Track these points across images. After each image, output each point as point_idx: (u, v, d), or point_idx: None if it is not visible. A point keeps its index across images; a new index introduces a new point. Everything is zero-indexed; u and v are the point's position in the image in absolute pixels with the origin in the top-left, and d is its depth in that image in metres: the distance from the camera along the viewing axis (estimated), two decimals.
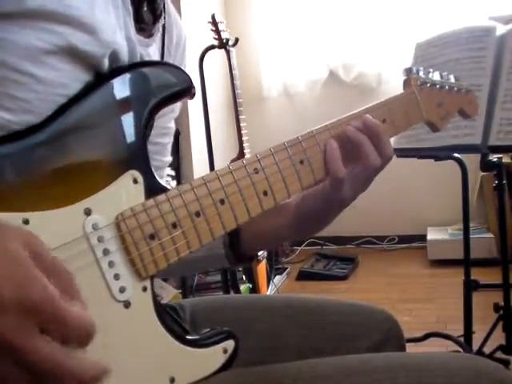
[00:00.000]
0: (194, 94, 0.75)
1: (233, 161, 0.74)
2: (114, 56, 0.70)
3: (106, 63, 0.69)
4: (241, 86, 2.71)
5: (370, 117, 0.82)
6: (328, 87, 3.97)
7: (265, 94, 4.07)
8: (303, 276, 3.48)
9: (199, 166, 3.34)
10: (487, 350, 2.02)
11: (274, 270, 3.12)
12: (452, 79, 1.01)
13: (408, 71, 0.94)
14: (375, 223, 3.94)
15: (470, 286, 2.10)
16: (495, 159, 1.93)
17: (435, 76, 0.97)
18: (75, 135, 0.65)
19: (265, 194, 0.75)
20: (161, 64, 0.79)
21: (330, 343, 0.95)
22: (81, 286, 0.54)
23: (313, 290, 3.24)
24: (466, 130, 1.65)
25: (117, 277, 0.64)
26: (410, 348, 1.07)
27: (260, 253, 2.76)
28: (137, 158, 0.69)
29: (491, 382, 0.75)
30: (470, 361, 0.80)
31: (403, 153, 1.86)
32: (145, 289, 0.67)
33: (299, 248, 3.99)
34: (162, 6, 0.83)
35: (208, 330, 0.73)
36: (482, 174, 3.24)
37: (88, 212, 0.63)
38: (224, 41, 2.66)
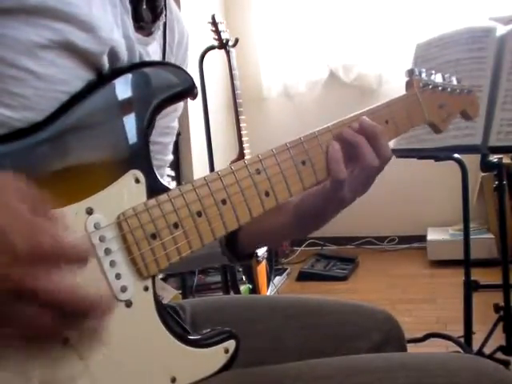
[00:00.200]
0: (196, 94, 0.75)
1: (233, 161, 0.74)
2: (113, 54, 0.70)
3: (105, 61, 0.69)
4: (241, 87, 2.71)
5: (366, 118, 0.82)
6: (328, 88, 3.97)
7: (265, 95, 4.07)
8: (303, 276, 3.48)
9: (199, 167, 3.35)
10: (487, 350, 2.02)
11: (274, 270, 3.12)
12: (454, 81, 1.01)
13: (410, 73, 0.94)
14: (375, 224, 3.94)
15: (471, 287, 2.10)
16: (495, 160, 1.93)
17: (437, 78, 0.97)
18: (77, 134, 0.65)
19: (266, 194, 0.75)
20: (163, 64, 0.79)
21: (331, 344, 0.95)
22: (82, 285, 0.54)
23: (313, 291, 3.24)
24: (467, 130, 1.65)
25: (118, 276, 0.65)
26: (411, 348, 1.07)
27: (260, 253, 2.76)
28: (139, 157, 0.69)
29: (491, 382, 0.74)
30: (470, 361, 0.80)
31: (403, 153, 1.86)
32: (146, 288, 0.67)
33: (299, 248, 3.99)
34: (162, 3, 0.83)
35: (209, 330, 0.73)
36: (483, 174, 3.24)
37: (90, 211, 0.64)
38: (224, 41, 2.66)
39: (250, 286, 2.74)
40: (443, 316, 2.69)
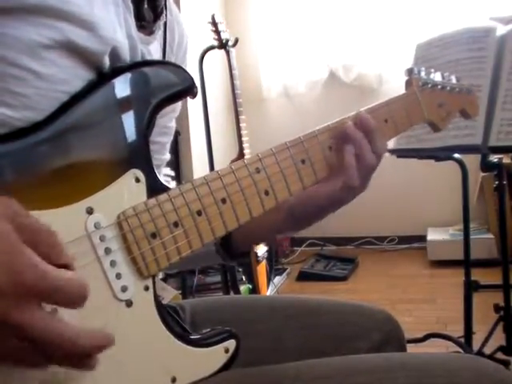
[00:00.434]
0: (195, 94, 0.75)
1: (233, 161, 0.75)
2: (114, 53, 0.70)
3: (106, 60, 0.69)
4: (241, 87, 2.71)
5: (363, 113, 0.82)
6: (328, 88, 3.98)
7: (265, 95, 4.07)
8: (303, 277, 3.48)
9: (199, 167, 3.35)
10: (487, 350, 2.02)
11: (273, 270, 3.12)
12: (453, 80, 1.01)
13: (410, 72, 0.94)
14: (375, 224, 3.94)
15: (471, 287, 2.10)
16: (495, 160, 1.93)
17: (437, 77, 0.98)
18: (77, 134, 0.65)
19: (266, 193, 0.75)
20: (163, 63, 0.79)
21: (330, 344, 0.95)
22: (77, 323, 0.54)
23: (313, 291, 3.24)
24: (467, 130, 1.65)
25: (119, 276, 0.65)
26: (411, 348, 1.07)
27: (260, 253, 2.76)
28: (139, 157, 0.69)
29: (491, 382, 0.74)
30: (471, 361, 0.80)
31: (403, 153, 1.86)
32: (147, 288, 0.67)
33: (299, 248, 4.00)
34: (162, 3, 0.83)
35: (209, 329, 0.73)
36: (483, 174, 3.24)
37: (90, 211, 0.63)
38: (224, 41, 2.66)
39: (250, 286, 2.74)
40: (443, 316, 2.69)
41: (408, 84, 0.94)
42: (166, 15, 0.84)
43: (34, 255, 0.50)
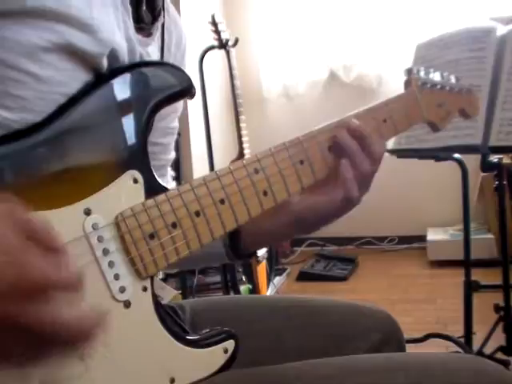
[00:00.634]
0: (194, 94, 0.75)
1: (233, 161, 0.74)
2: (113, 55, 0.70)
3: (105, 63, 0.69)
4: (241, 87, 2.71)
5: (353, 121, 0.82)
6: (328, 88, 3.97)
7: (265, 95, 4.07)
8: (303, 277, 3.48)
9: (199, 167, 3.34)
10: (487, 350, 2.02)
11: (273, 270, 3.12)
12: (453, 79, 1.01)
13: (409, 71, 0.94)
14: (375, 224, 3.94)
15: (470, 287, 2.10)
16: (495, 160, 1.93)
17: (436, 76, 0.97)
18: (75, 135, 0.65)
19: (265, 194, 0.75)
20: (160, 64, 0.79)
21: (330, 344, 0.95)
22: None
23: (313, 291, 3.24)
24: (467, 130, 1.65)
25: (117, 277, 0.64)
26: (410, 349, 1.08)
27: (260, 253, 2.76)
28: (137, 157, 0.69)
29: (491, 382, 0.75)
30: (470, 361, 0.80)
31: (403, 153, 1.86)
32: (145, 289, 0.67)
33: (299, 249, 3.99)
34: (160, 4, 0.83)
35: (208, 330, 0.73)
36: (483, 174, 3.24)
37: (88, 212, 0.63)
38: (224, 41, 2.66)
39: (250, 286, 2.74)
40: (443, 316, 2.69)
41: (407, 84, 0.94)
42: (163, 16, 0.84)
43: (38, 255, 0.50)
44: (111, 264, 0.64)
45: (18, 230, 0.50)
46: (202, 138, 2.82)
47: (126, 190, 0.67)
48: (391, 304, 2.80)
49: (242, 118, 2.69)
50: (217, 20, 2.63)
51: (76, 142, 0.65)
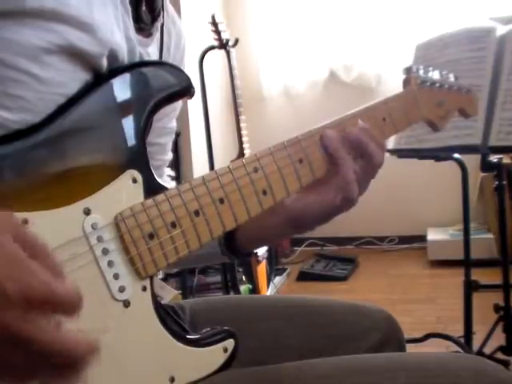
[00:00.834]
0: (193, 94, 0.75)
1: (233, 161, 0.74)
2: (112, 55, 0.70)
3: (104, 63, 0.69)
4: (241, 87, 2.72)
5: (351, 131, 0.82)
6: (328, 87, 3.98)
7: (265, 94, 4.07)
8: (303, 277, 3.48)
9: (199, 166, 3.34)
10: (487, 350, 2.02)
11: (273, 270, 3.12)
12: (452, 78, 1.01)
13: (408, 70, 0.94)
14: (375, 224, 3.94)
15: (470, 287, 2.10)
16: (495, 160, 1.93)
17: (435, 75, 0.97)
18: (75, 135, 0.65)
19: (264, 193, 0.75)
20: (160, 64, 0.79)
21: (330, 343, 0.95)
22: (80, 285, 0.54)
23: (313, 291, 3.24)
24: (466, 130, 1.65)
25: (116, 276, 0.64)
26: (410, 348, 1.07)
27: (260, 253, 2.76)
28: (136, 157, 0.69)
29: (491, 382, 0.75)
30: (470, 361, 0.80)
31: (403, 153, 1.86)
32: (144, 288, 0.67)
33: (299, 248, 3.99)
34: (160, 4, 0.83)
35: (208, 329, 0.73)
36: (482, 174, 3.24)
37: (87, 212, 0.63)
38: (224, 41, 2.66)
39: (250, 286, 2.74)
40: (443, 316, 2.69)
41: (406, 82, 0.94)
42: (163, 16, 0.84)
43: (39, 267, 0.50)
44: (111, 264, 0.64)
45: (20, 243, 0.50)
46: (202, 137, 2.82)
47: (126, 190, 0.67)
48: (391, 304, 2.80)
49: (242, 117, 2.69)
50: (217, 20, 2.63)
51: (75, 142, 0.65)
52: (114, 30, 0.70)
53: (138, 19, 0.77)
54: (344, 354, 0.88)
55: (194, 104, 2.97)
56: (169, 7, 0.88)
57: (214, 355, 0.72)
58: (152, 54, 0.80)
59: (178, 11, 3.15)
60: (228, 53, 2.68)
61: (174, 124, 0.94)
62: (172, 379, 0.68)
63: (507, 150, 1.77)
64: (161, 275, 2.61)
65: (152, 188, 0.68)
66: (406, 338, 1.02)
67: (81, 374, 0.53)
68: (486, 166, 1.94)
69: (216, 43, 2.68)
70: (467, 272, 2.10)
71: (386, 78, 3.79)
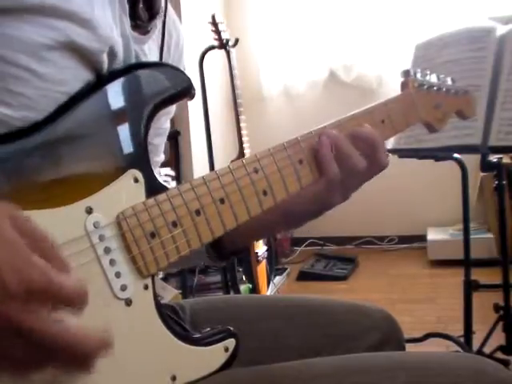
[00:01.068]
0: (193, 95, 0.75)
1: (233, 161, 0.74)
2: (111, 52, 0.70)
3: (105, 59, 0.69)
4: (241, 86, 2.72)
5: (364, 129, 0.82)
6: (328, 88, 3.98)
7: (265, 94, 4.07)
8: (303, 276, 3.48)
9: (199, 166, 3.35)
10: (487, 350, 2.02)
11: (273, 270, 3.12)
12: (449, 81, 1.02)
13: (406, 73, 0.95)
14: (375, 223, 3.94)
15: (470, 286, 2.10)
16: (495, 159, 1.93)
17: (432, 78, 0.99)
18: (77, 135, 0.65)
19: (264, 193, 0.75)
20: (161, 65, 0.79)
21: (330, 343, 0.95)
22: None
23: (313, 291, 3.24)
24: (466, 130, 1.65)
25: (118, 275, 0.65)
26: (410, 348, 1.08)
27: (260, 253, 2.76)
28: (137, 157, 0.69)
29: (491, 381, 0.75)
30: (470, 360, 0.80)
31: (403, 153, 1.86)
32: (146, 287, 0.67)
33: (299, 248, 4.00)
34: (159, 3, 0.83)
35: (209, 328, 0.74)
36: (482, 174, 3.25)
37: (89, 211, 0.64)
38: (224, 41, 2.66)
39: (250, 286, 2.74)
40: (443, 316, 2.70)
41: (404, 85, 0.95)
42: (165, 15, 0.84)
43: (41, 260, 0.50)
44: (112, 262, 0.64)
45: (21, 235, 0.51)
46: (202, 137, 2.82)
47: (127, 189, 0.67)
48: (391, 303, 2.80)
49: (242, 117, 2.69)
50: (217, 20, 2.63)
51: (77, 142, 0.65)
52: (112, 27, 0.70)
53: (134, 16, 0.77)
54: (344, 353, 0.88)
55: (194, 104, 2.97)
56: (169, 8, 0.88)
57: (215, 354, 0.72)
58: (148, 51, 0.80)
59: (179, 11, 3.15)
60: (228, 53, 2.68)
61: (167, 125, 0.94)
62: (173, 378, 0.68)
63: (507, 149, 1.77)
64: (161, 275, 2.62)
65: (153, 188, 0.69)
66: (406, 337, 1.02)
67: (92, 367, 0.53)
68: (485, 165, 1.94)
69: (216, 43, 2.68)
70: (467, 272, 2.11)
71: (385, 78, 3.80)
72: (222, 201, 0.71)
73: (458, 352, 1.97)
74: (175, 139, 3.16)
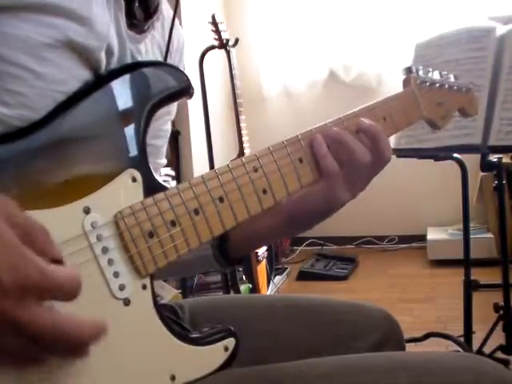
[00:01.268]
0: (192, 94, 0.75)
1: (233, 161, 0.74)
2: (108, 50, 0.70)
3: (103, 58, 0.69)
4: (241, 86, 2.71)
5: (364, 120, 0.82)
6: (328, 87, 3.98)
7: (265, 94, 4.07)
8: (303, 276, 3.48)
9: (199, 166, 3.34)
10: (487, 350, 2.02)
11: (274, 270, 3.12)
12: (452, 78, 1.02)
13: (408, 70, 0.94)
14: (375, 223, 3.94)
15: (470, 286, 2.10)
16: (495, 159, 1.93)
17: (435, 75, 0.98)
18: (74, 135, 0.65)
19: (264, 192, 0.75)
20: (159, 64, 0.79)
21: (330, 343, 0.95)
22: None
23: (313, 290, 3.24)
24: (466, 130, 1.65)
25: (116, 274, 0.64)
26: (410, 348, 1.08)
27: (260, 253, 2.76)
28: (135, 156, 0.69)
29: (491, 381, 0.75)
30: (470, 360, 0.80)
31: (403, 153, 1.86)
32: (144, 287, 0.67)
33: (299, 248, 3.99)
34: (155, 3, 0.82)
35: (209, 328, 0.73)
36: (482, 174, 3.24)
37: (87, 210, 0.63)
38: (224, 41, 2.65)
39: (250, 286, 2.74)
40: (443, 315, 2.70)
41: (406, 83, 0.94)
42: (173, 19, 0.83)
43: (34, 254, 0.50)
44: (110, 262, 0.64)
45: (14, 229, 0.50)
46: (202, 137, 2.82)
47: (125, 189, 0.67)
48: (391, 303, 2.80)
49: (242, 117, 2.69)
50: (217, 20, 2.63)
51: (75, 141, 0.65)
52: (109, 24, 0.70)
53: (130, 15, 0.77)
54: (344, 353, 0.88)
55: (194, 104, 2.97)
56: (169, 9, 0.88)
57: (215, 354, 0.72)
58: (143, 50, 0.80)
59: (178, 11, 3.15)
60: (228, 53, 2.67)
61: (168, 127, 0.93)
62: (172, 377, 0.68)
63: (507, 149, 1.77)
64: None
65: (151, 187, 0.68)
66: (406, 337, 1.02)
67: (87, 352, 0.53)
68: (485, 165, 1.94)
69: (216, 43, 2.68)
70: (467, 271, 2.11)
71: (385, 77, 3.80)
72: (221, 199, 0.71)
73: (458, 352, 1.97)
74: (175, 139, 3.16)
